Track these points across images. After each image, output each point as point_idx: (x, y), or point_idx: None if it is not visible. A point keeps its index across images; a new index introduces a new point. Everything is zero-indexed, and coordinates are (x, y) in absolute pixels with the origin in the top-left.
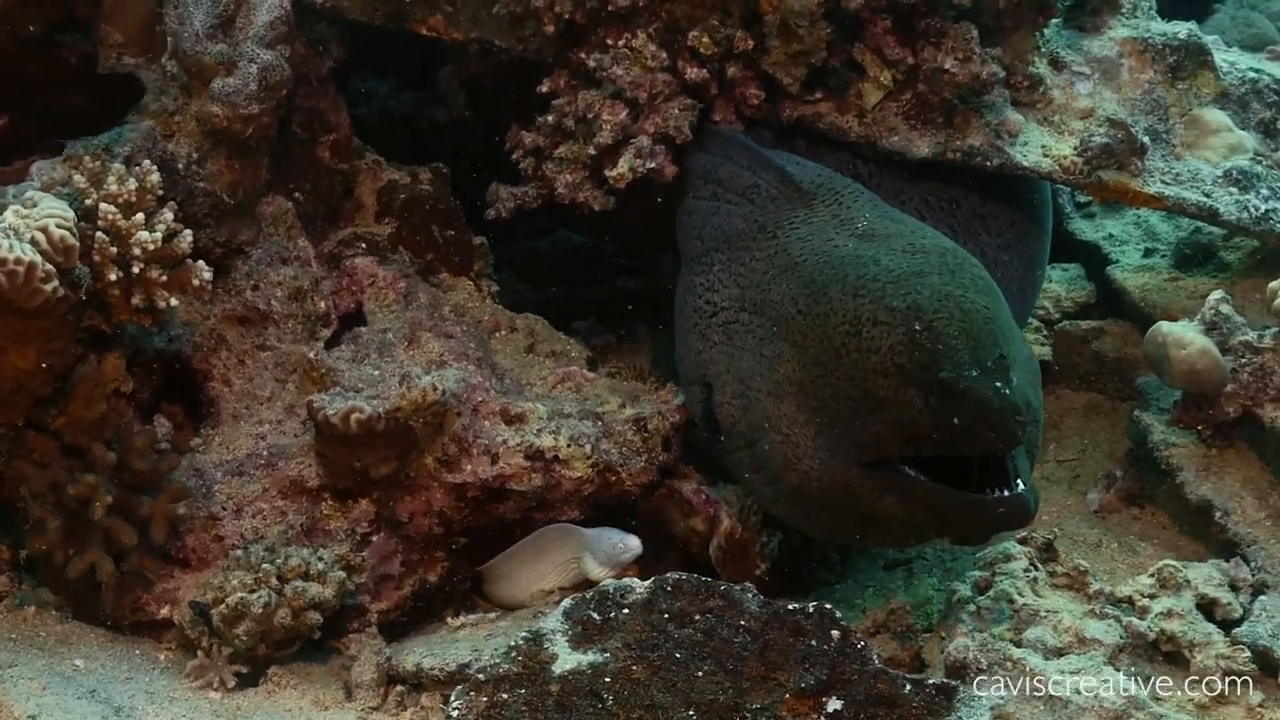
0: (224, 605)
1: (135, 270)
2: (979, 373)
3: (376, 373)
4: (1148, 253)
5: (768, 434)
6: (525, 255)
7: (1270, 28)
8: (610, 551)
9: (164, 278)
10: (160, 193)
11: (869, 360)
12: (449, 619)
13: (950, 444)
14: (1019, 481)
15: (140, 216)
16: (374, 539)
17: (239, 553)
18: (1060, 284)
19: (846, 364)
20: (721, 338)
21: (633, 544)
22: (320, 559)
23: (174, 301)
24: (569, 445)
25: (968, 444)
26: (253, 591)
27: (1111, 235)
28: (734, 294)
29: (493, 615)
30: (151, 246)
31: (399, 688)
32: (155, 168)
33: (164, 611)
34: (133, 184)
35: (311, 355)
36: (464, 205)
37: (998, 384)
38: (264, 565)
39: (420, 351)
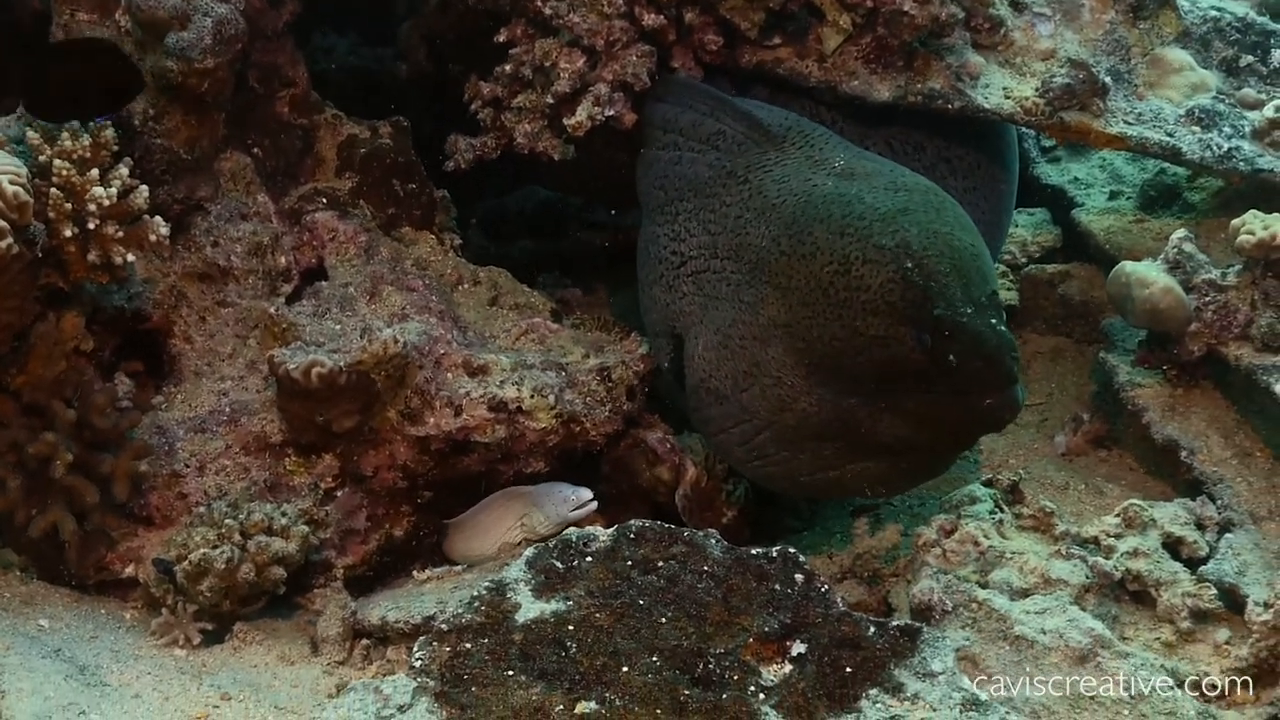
0: (188, 562)
1: (91, 226)
2: (974, 310)
3: (338, 327)
4: (1113, 195)
5: (757, 379)
6: (490, 212)
7: None
8: (559, 505)
9: (120, 234)
10: (115, 148)
11: (858, 298)
12: (415, 573)
13: (948, 382)
14: None
15: (95, 172)
16: (338, 494)
17: (202, 509)
18: (1026, 228)
19: (835, 303)
20: (691, 288)
21: (583, 495)
22: (284, 514)
23: (131, 257)
24: (533, 396)
25: (964, 381)
26: (216, 547)
27: (1077, 179)
28: (704, 241)
29: (459, 569)
30: (107, 202)
31: (364, 641)
32: (110, 123)
33: (128, 570)
34: (87, 140)
35: (273, 310)
36: (426, 161)
37: (993, 320)
38: (227, 521)
39: (382, 305)
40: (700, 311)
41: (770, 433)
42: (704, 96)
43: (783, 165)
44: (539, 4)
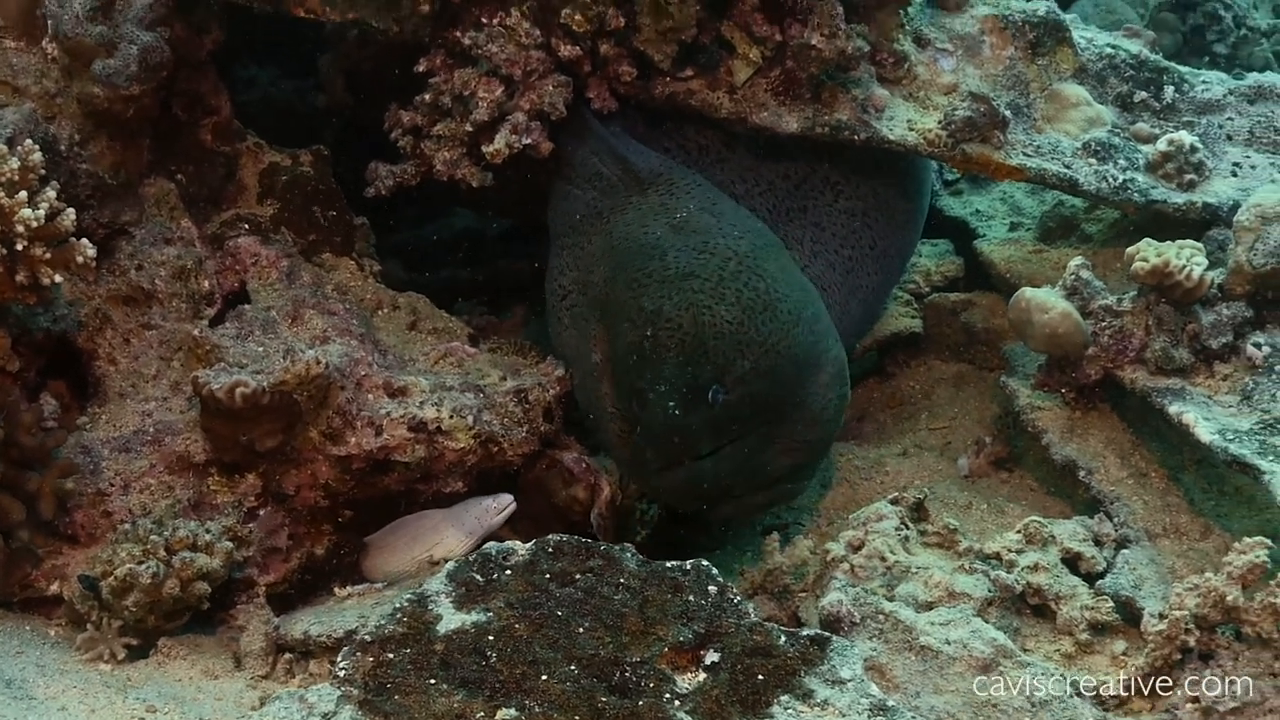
0: (113, 577)
1: (18, 248)
2: (665, 389)
3: (261, 349)
4: (1013, 226)
5: (600, 413)
6: (409, 243)
7: (1131, 13)
8: (481, 516)
9: (47, 255)
10: (43, 172)
11: (621, 347)
12: (336, 590)
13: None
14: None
15: (23, 195)
16: (261, 512)
17: (127, 526)
18: (930, 258)
19: (618, 348)
20: (570, 320)
21: (504, 500)
22: (208, 531)
23: (58, 279)
24: (451, 417)
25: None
26: (141, 563)
27: (978, 211)
28: (575, 278)
29: (379, 585)
30: (35, 224)
31: (287, 656)
32: (37, 147)
33: (53, 587)
34: (15, 163)
35: (196, 333)
36: (346, 190)
37: (670, 404)
38: (152, 537)
39: (304, 328)
40: (575, 343)
41: (619, 458)
42: (594, 136)
43: (636, 210)
44: (458, 34)
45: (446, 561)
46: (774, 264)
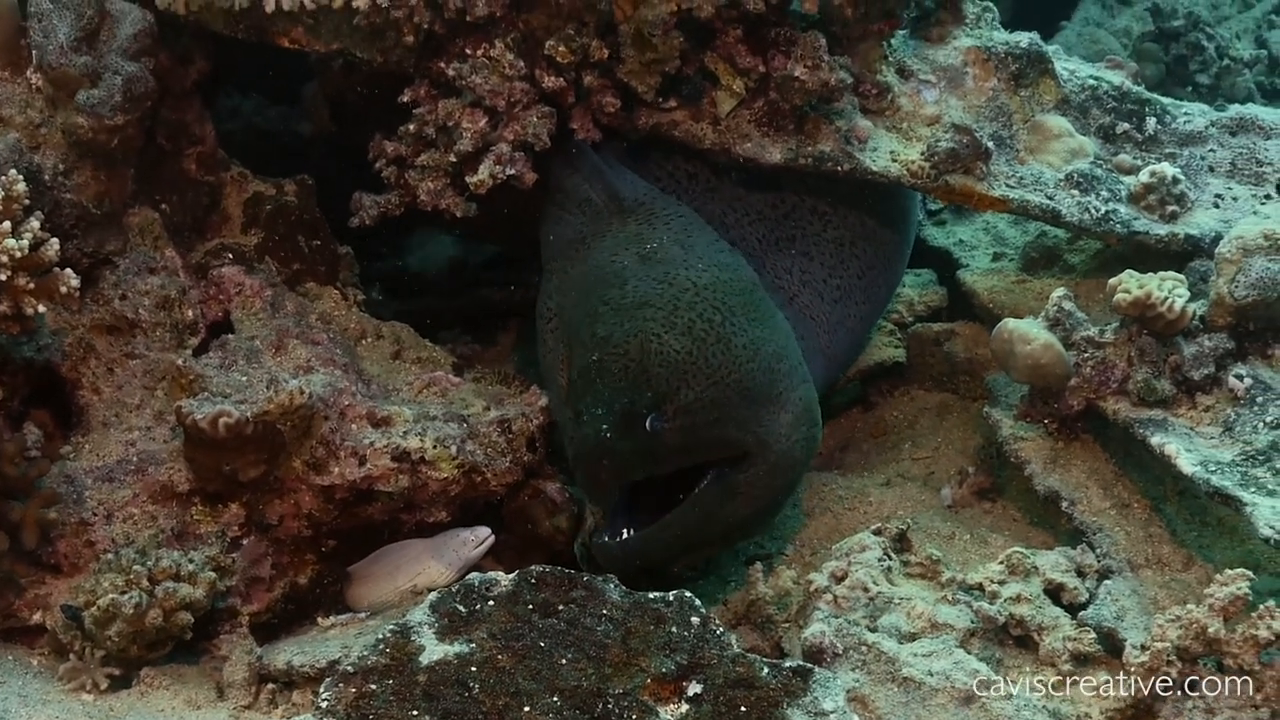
0: (96, 607)
1: (2, 278)
2: (601, 411)
3: (244, 379)
4: (996, 257)
5: (571, 435)
6: (393, 271)
7: (1114, 43)
8: (459, 548)
9: (31, 285)
10: (27, 202)
11: (575, 372)
12: (320, 620)
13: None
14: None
15: (7, 225)
16: (244, 542)
17: (110, 556)
18: (913, 288)
19: (573, 373)
20: (554, 343)
21: (481, 533)
22: (191, 561)
23: (42, 309)
24: (435, 447)
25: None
26: (124, 593)
27: (961, 241)
28: (559, 301)
29: (363, 615)
30: (19, 254)
31: (270, 686)
32: (21, 177)
33: (36, 617)
34: None
35: (180, 362)
36: (330, 218)
37: (603, 426)
38: (135, 567)
39: (287, 358)
40: (553, 366)
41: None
42: (585, 163)
43: (612, 237)
44: (443, 65)
45: (430, 592)
46: (738, 299)
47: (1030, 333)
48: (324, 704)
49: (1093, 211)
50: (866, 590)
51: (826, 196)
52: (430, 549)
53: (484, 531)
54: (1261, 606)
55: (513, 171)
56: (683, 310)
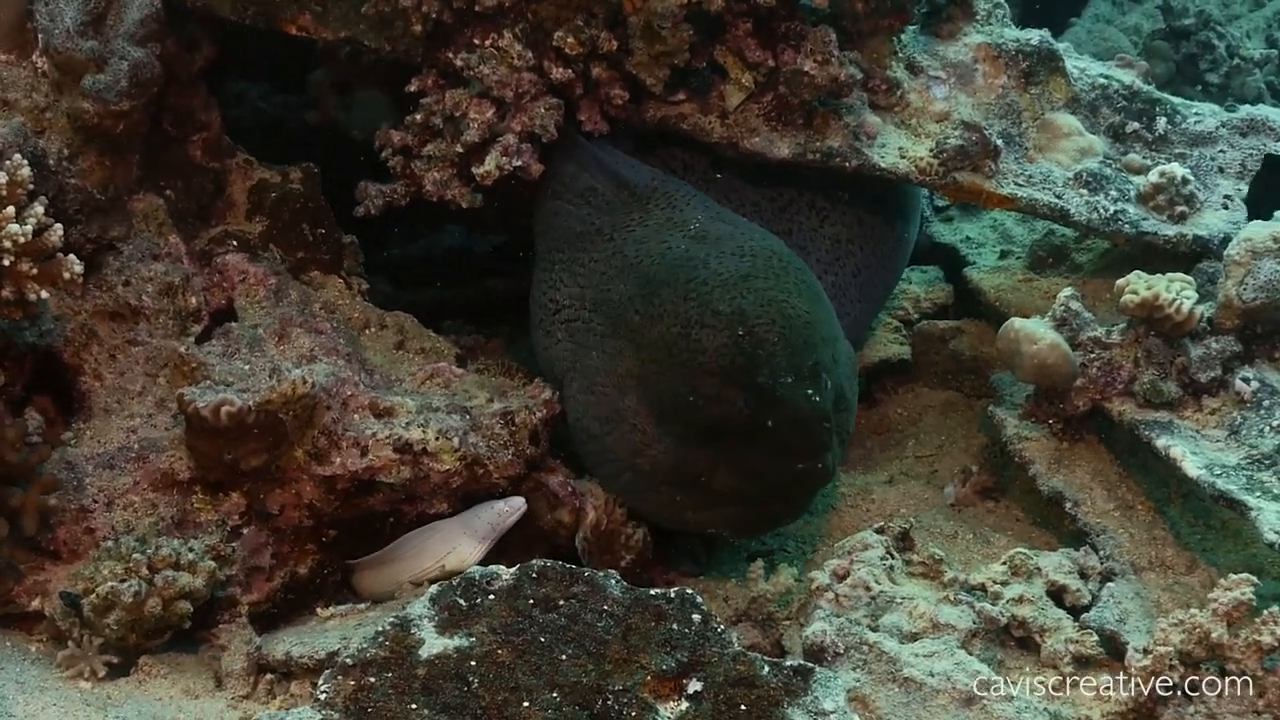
0: (95, 595)
1: (5, 263)
2: (794, 379)
3: (247, 367)
4: (1003, 254)
5: (617, 425)
6: (397, 260)
7: (1124, 40)
8: (494, 518)
9: (34, 270)
10: (31, 187)
11: (697, 360)
12: (319, 610)
13: (767, 443)
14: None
15: (10, 210)
16: (244, 531)
17: (109, 543)
18: (919, 285)
19: (678, 362)
20: (565, 334)
21: (515, 503)
22: (191, 549)
23: (45, 294)
24: (437, 438)
25: (779, 445)
26: (123, 581)
27: (968, 238)
28: (575, 292)
29: (363, 606)
30: (22, 239)
31: (269, 676)
32: (25, 162)
33: (35, 604)
34: (2, 178)
35: (182, 350)
36: (335, 207)
37: (808, 391)
38: (135, 555)
39: (290, 347)
40: (572, 357)
41: (631, 474)
42: (582, 152)
43: (644, 226)
44: (450, 55)
45: (459, 573)
46: (795, 259)
47: (1036, 332)
48: (322, 695)
49: (1101, 211)
50: (868, 589)
51: (825, 191)
52: (461, 524)
53: (518, 501)
54: (1265, 612)
55: (519, 163)
56: (784, 276)
